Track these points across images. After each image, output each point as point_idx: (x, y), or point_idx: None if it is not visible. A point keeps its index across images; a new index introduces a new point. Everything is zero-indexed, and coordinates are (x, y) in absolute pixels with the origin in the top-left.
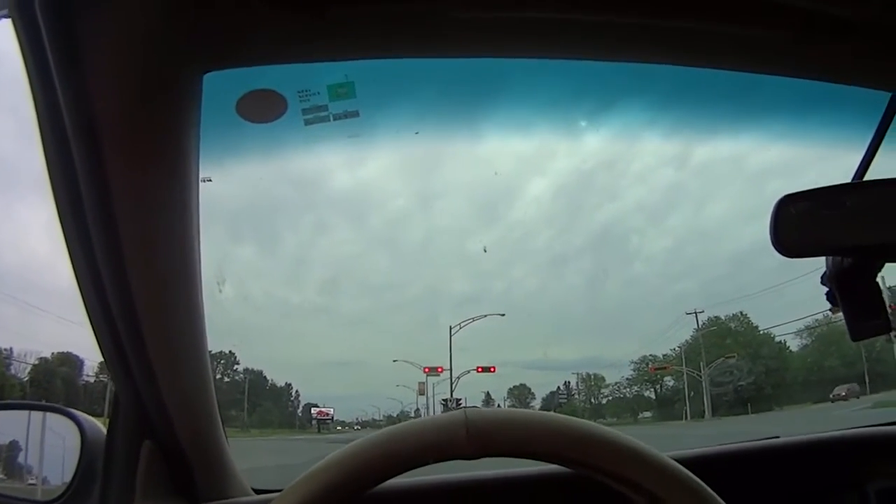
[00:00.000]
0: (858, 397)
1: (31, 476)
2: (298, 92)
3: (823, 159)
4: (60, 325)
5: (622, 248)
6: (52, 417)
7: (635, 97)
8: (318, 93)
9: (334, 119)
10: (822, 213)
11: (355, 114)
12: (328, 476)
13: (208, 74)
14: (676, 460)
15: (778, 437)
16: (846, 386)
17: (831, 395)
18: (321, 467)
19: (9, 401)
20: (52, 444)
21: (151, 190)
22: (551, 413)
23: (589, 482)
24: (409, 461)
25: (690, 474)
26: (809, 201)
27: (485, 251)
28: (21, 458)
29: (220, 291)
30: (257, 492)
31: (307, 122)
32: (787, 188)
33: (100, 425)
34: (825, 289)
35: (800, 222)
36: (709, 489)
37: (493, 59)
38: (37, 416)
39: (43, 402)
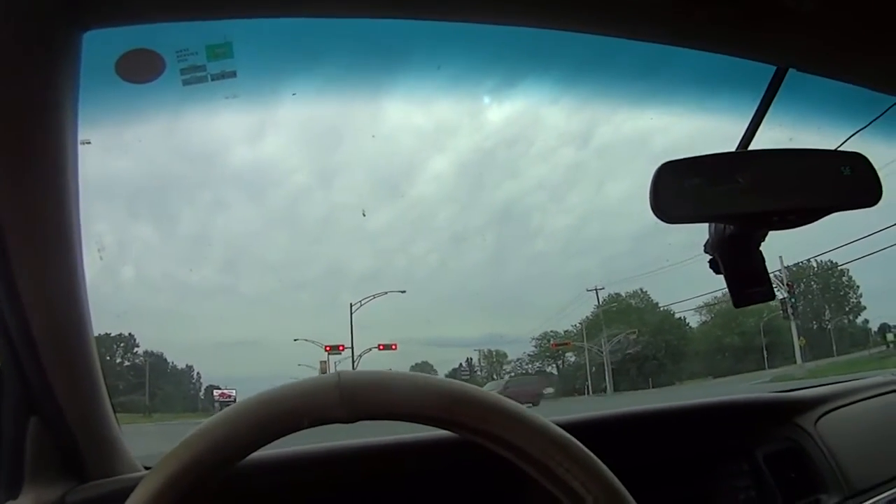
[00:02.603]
0: None
1: None
2: (177, 52)
3: (728, 139)
4: None
5: (523, 226)
6: None
7: (538, 75)
8: (197, 53)
9: (212, 79)
10: (702, 180)
11: (233, 74)
12: (196, 448)
13: (88, 33)
14: (564, 425)
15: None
16: None
17: None
18: (188, 440)
19: None
20: None
21: (25, 154)
22: (428, 375)
23: (478, 449)
24: (281, 427)
25: (567, 434)
26: (690, 168)
27: (364, 215)
28: None
29: (101, 259)
30: (148, 469)
31: (185, 83)
32: None
33: None
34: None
35: (680, 189)
36: (586, 450)
37: (391, 25)
38: None
39: None
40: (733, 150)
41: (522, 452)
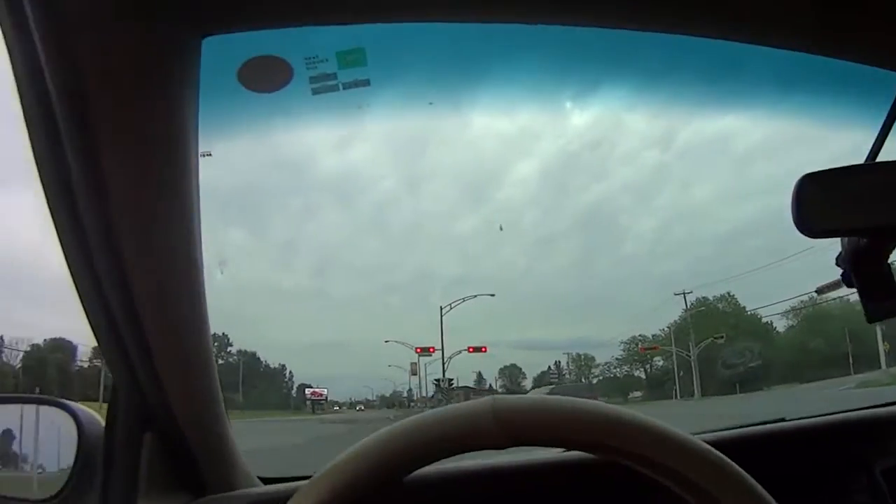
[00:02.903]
0: None
1: (27, 471)
2: (305, 59)
3: (806, 140)
4: (51, 313)
5: (610, 228)
6: (47, 409)
7: (619, 78)
8: (327, 60)
9: (343, 88)
10: (840, 193)
11: (366, 83)
12: (349, 470)
13: (208, 39)
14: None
15: (784, 419)
16: None
17: None
18: (343, 460)
19: (2, 394)
20: (48, 439)
21: (147, 165)
22: (580, 399)
23: (615, 467)
24: (435, 452)
25: (726, 458)
26: (829, 181)
27: (500, 229)
28: (16, 454)
29: (222, 273)
30: (263, 480)
31: (315, 91)
32: (771, 170)
33: (98, 417)
34: (834, 270)
35: (821, 202)
36: (746, 474)
37: (477, 38)
38: (31, 409)
39: (36, 395)
40: (837, 161)
41: (683, 479)
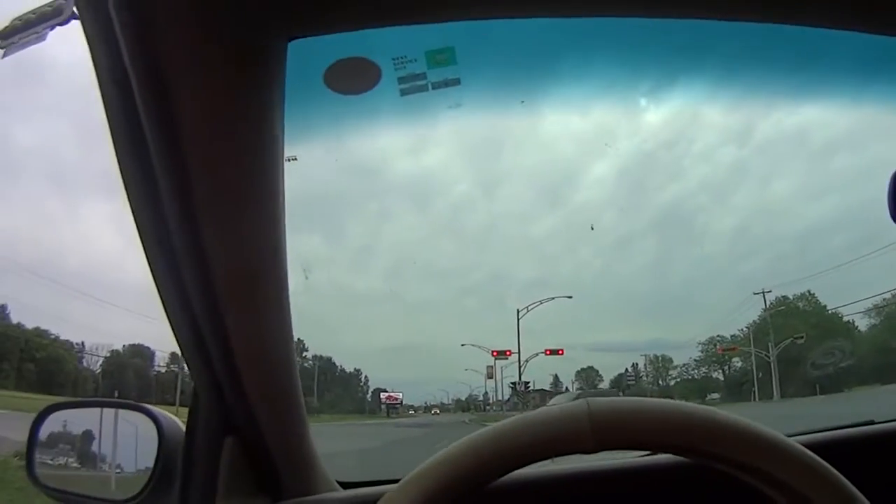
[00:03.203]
0: None
1: (107, 472)
2: (393, 59)
3: (889, 130)
4: (131, 319)
5: (687, 228)
6: (129, 414)
7: (692, 73)
8: (415, 60)
9: (433, 88)
10: None
11: (456, 82)
12: (442, 472)
13: (293, 42)
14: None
15: (873, 421)
16: None
17: None
18: (434, 463)
19: (86, 398)
20: (130, 442)
21: (232, 170)
22: (675, 401)
23: (705, 470)
24: (527, 457)
25: (829, 466)
26: None
27: (592, 229)
28: (99, 456)
29: (307, 279)
30: (343, 485)
31: (403, 92)
32: (853, 163)
33: (178, 422)
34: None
35: None
36: (841, 477)
37: (550, 34)
38: (110, 412)
39: (119, 399)
40: None
41: (777, 481)
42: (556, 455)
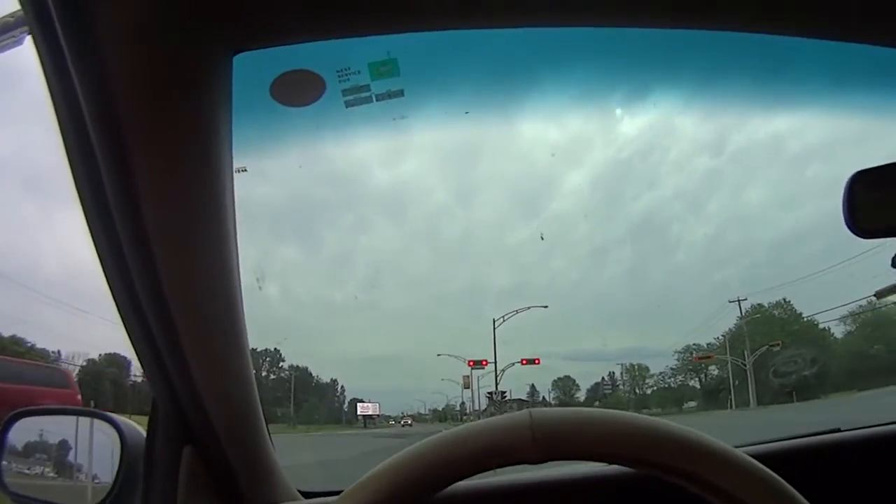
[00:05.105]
0: None
1: (72, 481)
2: (337, 71)
3: (861, 140)
4: (106, 327)
5: (662, 237)
6: (94, 422)
7: (667, 83)
8: (359, 71)
9: (377, 100)
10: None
11: (399, 93)
12: (383, 483)
13: (239, 55)
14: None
15: (839, 429)
16: None
17: None
18: (376, 474)
19: (48, 406)
20: (95, 451)
21: (182, 182)
22: (619, 412)
23: (656, 481)
24: (470, 467)
25: (772, 473)
26: (882, 178)
27: (542, 238)
28: (65, 464)
29: (260, 289)
30: (305, 494)
31: (348, 104)
32: (827, 172)
33: (140, 430)
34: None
35: (874, 200)
36: (793, 491)
37: (520, 45)
38: (79, 420)
39: (82, 408)
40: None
41: (728, 496)
42: (499, 465)
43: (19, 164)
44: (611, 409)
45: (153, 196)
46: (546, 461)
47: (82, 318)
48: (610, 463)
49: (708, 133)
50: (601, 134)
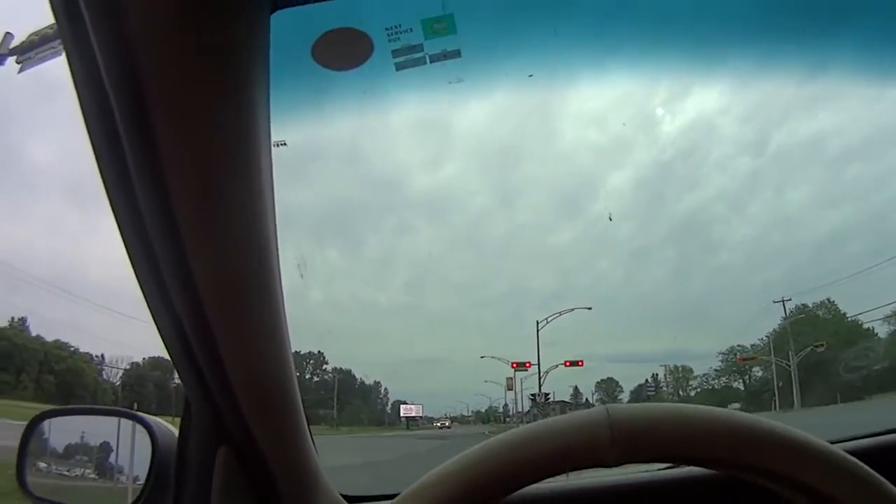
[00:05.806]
0: None
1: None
2: (386, 29)
3: None
4: (149, 331)
5: (705, 238)
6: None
7: (707, 84)
8: (411, 29)
9: (431, 61)
10: None
11: (456, 54)
12: (444, 488)
13: (276, 13)
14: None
15: None
16: None
17: None
18: (432, 479)
19: (75, 406)
20: (125, 452)
21: (214, 160)
22: (705, 407)
23: (738, 485)
24: (540, 471)
25: (871, 470)
26: None
27: (610, 219)
28: (94, 466)
29: (302, 276)
30: (347, 499)
31: (398, 66)
32: (869, 170)
33: (173, 430)
34: None
35: None
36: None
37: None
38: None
39: (113, 407)
40: None
41: (825, 497)
42: (573, 469)
43: (62, 171)
44: None
45: (182, 177)
46: (626, 463)
47: (126, 323)
48: (698, 466)
49: (749, 133)
50: (643, 136)
